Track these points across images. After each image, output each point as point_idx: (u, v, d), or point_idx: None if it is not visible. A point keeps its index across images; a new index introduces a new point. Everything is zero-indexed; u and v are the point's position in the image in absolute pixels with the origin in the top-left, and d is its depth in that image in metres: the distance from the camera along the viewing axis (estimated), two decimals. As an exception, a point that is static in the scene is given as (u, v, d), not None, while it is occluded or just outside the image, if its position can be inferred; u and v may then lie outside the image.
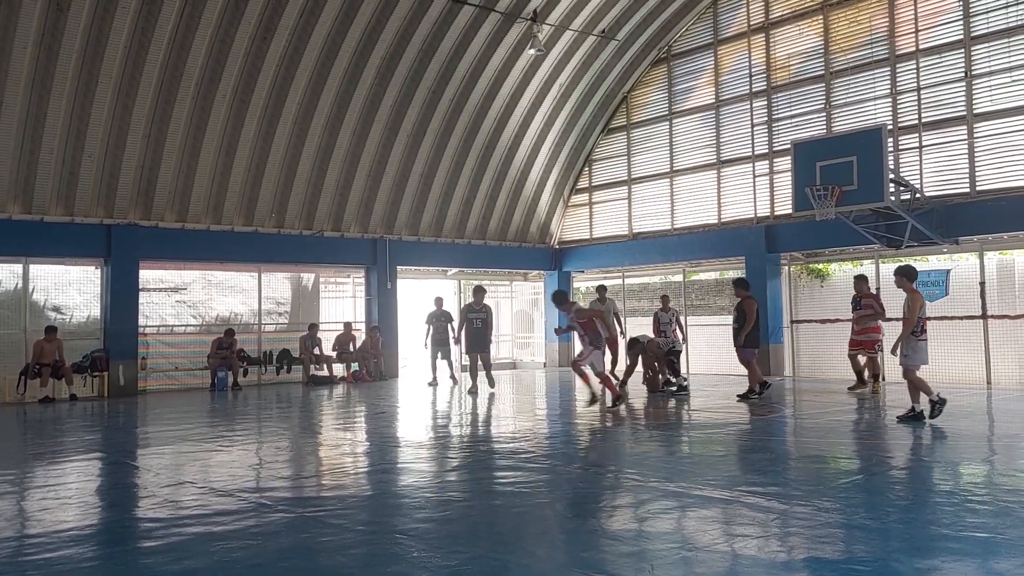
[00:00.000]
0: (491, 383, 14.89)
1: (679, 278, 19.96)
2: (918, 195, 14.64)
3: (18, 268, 15.36)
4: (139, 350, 16.06)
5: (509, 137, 20.56)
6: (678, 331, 14.30)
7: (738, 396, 12.33)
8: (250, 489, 6.39)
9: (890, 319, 12.56)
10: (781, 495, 5.67)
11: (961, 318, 14.61)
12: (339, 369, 18.25)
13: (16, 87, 14.15)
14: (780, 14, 17.71)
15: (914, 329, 9.26)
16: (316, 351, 17.79)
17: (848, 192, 13.68)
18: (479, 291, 15.09)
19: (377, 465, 7.63)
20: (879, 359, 13.12)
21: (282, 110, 16.97)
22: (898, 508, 5.24)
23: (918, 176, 15.18)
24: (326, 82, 17.11)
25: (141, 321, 16.28)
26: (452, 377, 16.81)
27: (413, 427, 10.61)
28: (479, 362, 14.89)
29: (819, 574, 4.03)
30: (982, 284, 14.57)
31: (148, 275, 16.74)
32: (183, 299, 17.61)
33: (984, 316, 14.49)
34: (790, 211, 15.53)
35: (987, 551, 4.29)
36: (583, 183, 22.10)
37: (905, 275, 9.54)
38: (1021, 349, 14.28)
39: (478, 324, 14.76)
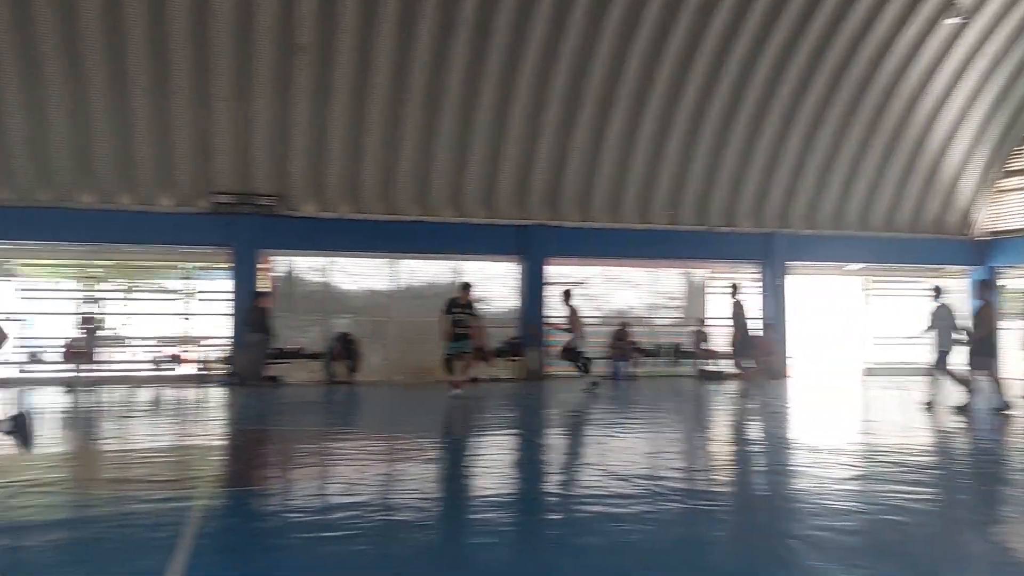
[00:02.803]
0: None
1: None
2: None
3: (451, 264, 17.76)
4: (545, 338, 17.58)
5: (923, 117, 18.53)
6: None
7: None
8: (645, 476, 6.62)
9: None
10: None
11: None
12: (730, 365, 18.10)
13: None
14: None
15: None
16: (705, 346, 17.87)
17: None
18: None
19: (769, 465, 7.43)
20: None
21: (678, 105, 17.28)
22: None
23: None
24: (719, 74, 17.05)
25: (546, 313, 17.77)
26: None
27: (808, 429, 10.13)
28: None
29: None
30: None
31: (552, 270, 18.21)
32: (583, 293, 18.84)
33: None
34: None
35: None
36: (1015, 164, 19.06)
37: None
38: None
39: None
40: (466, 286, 12.94)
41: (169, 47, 15.26)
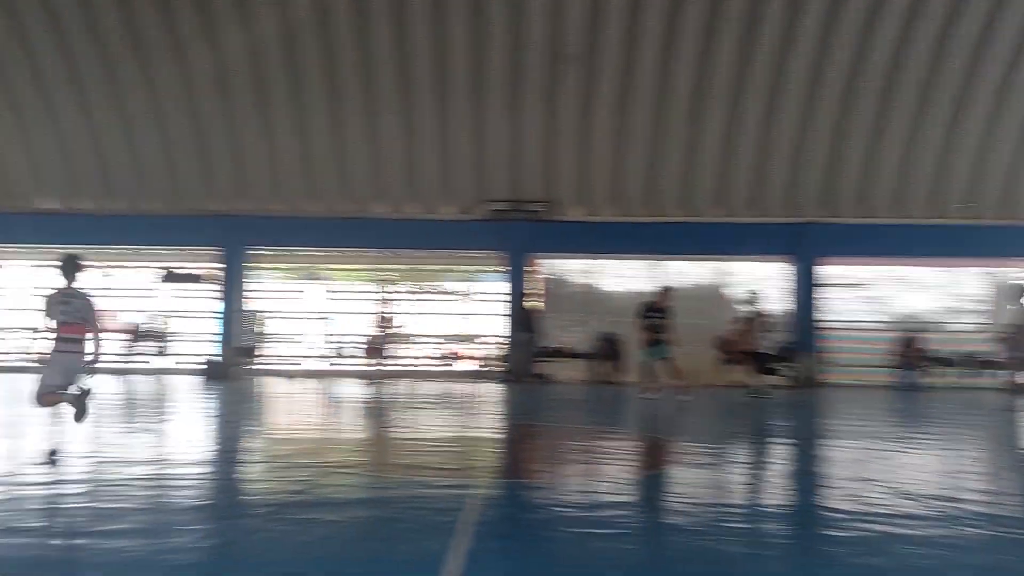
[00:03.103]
0: None
1: None
2: None
3: (715, 266, 17.40)
4: (819, 344, 16.60)
5: None
6: None
7: None
8: (939, 496, 6.03)
9: None
10: None
11: None
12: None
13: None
14: None
15: None
16: (1016, 355, 15.83)
17: None
18: None
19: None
20: None
21: (976, 84, 15.61)
22: None
23: None
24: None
25: (821, 316, 16.77)
26: None
27: None
28: None
29: None
30: None
31: (829, 270, 17.13)
32: (865, 295, 17.54)
33: None
34: None
35: None
36: None
37: None
38: None
39: None
40: (666, 290, 12.40)
41: (448, 68, 16.45)
